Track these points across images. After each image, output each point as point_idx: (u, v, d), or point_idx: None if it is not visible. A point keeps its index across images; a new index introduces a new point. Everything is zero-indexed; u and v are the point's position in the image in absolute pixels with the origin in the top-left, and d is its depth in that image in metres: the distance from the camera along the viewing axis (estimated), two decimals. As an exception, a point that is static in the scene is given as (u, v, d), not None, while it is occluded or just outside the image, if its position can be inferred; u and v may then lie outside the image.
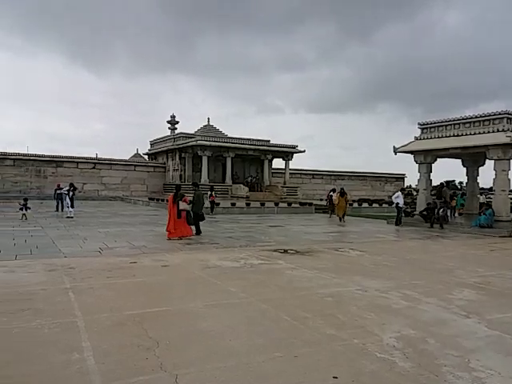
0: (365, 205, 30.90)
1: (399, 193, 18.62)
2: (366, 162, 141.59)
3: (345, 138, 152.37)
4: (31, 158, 32.99)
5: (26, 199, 16.84)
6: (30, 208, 16.64)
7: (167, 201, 13.00)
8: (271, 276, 7.06)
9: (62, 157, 34.24)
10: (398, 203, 17.57)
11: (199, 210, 12.46)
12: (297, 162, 53.37)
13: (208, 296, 5.67)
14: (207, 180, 32.52)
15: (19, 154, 32.71)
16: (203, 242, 10.92)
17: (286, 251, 9.68)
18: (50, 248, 9.44)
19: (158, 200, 27.16)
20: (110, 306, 5.09)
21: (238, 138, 35.07)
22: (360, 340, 4.14)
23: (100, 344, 3.88)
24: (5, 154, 31.97)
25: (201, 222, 12.50)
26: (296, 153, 37.43)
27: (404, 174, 49.81)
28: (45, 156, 33.59)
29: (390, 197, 24.83)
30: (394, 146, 18.61)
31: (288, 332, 4.37)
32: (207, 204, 18.60)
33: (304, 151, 37.84)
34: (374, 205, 31.63)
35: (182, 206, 11.50)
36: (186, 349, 3.85)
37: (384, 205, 30.78)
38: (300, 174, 43.31)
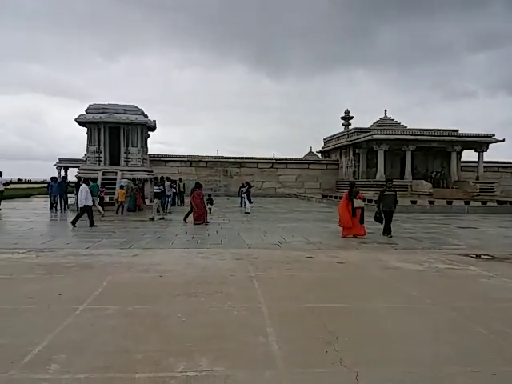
0: None
1: None
2: None
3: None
4: (220, 159, 37.36)
5: (209, 195, 19.32)
6: (212, 203, 18.87)
7: (340, 198, 12.90)
8: (461, 283, 6.33)
9: (245, 158, 37.69)
10: None
11: (389, 208, 11.51)
12: (492, 154, 46.80)
13: (388, 298, 5.41)
14: (383, 176, 31.22)
15: (210, 157, 37.44)
16: (381, 242, 10.51)
17: (479, 256, 8.55)
18: (237, 239, 10.47)
19: (330, 197, 27.40)
20: (289, 296, 5.33)
21: (420, 129, 32.46)
22: None
23: (282, 331, 4.09)
24: (200, 157, 37.00)
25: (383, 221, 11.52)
26: (492, 142, 32.47)
27: None
28: (230, 158, 37.58)
29: None
30: None
31: (483, 346, 3.83)
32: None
33: (503, 140, 32.57)
34: None
35: (357, 203, 11.23)
36: (366, 348, 3.75)
37: None
38: (498, 167, 37.80)
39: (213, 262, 7.47)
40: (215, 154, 39.09)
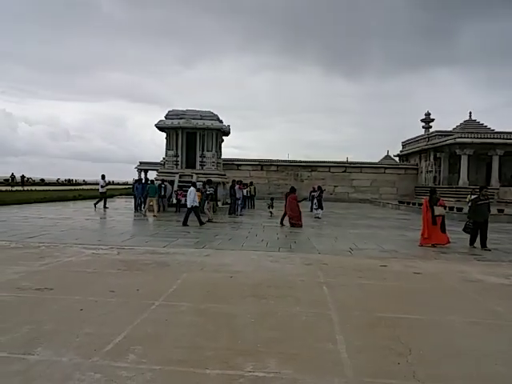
0: None
1: None
2: None
3: None
4: (291, 163, 37.37)
5: (272, 199, 19.67)
6: (273, 206, 19.21)
7: (420, 205, 12.24)
8: (554, 300, 5.69)
9: (316, 162, 37.33)
10: None
11: (484, 218, 10.50)
12: None
13: (467, 312, 5.03)
14: (466, 182, 29.24)
15: (281, 161, 37.59)
16: (462, 253, 9.81)
17: None
18: (306, 244, 10.39)
19: (408, 203, 26.14)
20: (361, 305, 5.17)
21: (509, 133, 29.93)
22: None
23: (352, 340, 3.97)
24: (271, 161, 37.33)
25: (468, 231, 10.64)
26: None
27: None
28: (301, 161, 37.44)
29: None
30: None
31: None
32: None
33: None
34: None
35: (438, 211, 10.57)
36: (442, 363, 3.52)
37: None
38: None
39: (282, 265, 7.47)
40: (286, 158, 39.16)
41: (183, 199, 19.73)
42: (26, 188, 37.75)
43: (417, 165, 37.40)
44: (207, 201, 16.19)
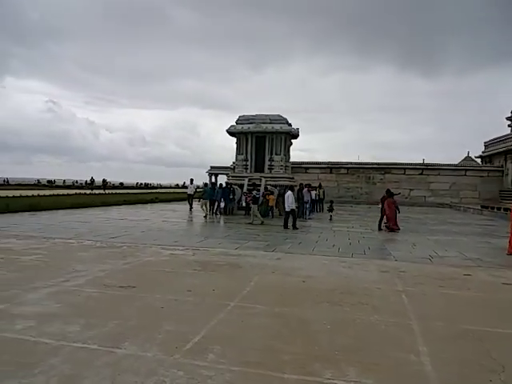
0: None
1: None
2: None
3: None
4: (362, 166, 36.25)
5: (331, 201, 19.59)
6: (332, 210, 18.95)
7: (506, 210, 11.28)
8: None
9: (390, 164, 35.85)
10: None
11: None
12: None
13: None
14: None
15: (351, 163, 36.60)
16: (557, 262, 8.85)
17: None
18: (381, 250, 10.00)
19: (493, 208, 24.20)
20: (444, 315, 4.85)
21: None
22: None
23: (437, 352, 3.74)
24: (340, 163, 36.54)
25: None
26: None
27: None
28: (373, 164, 36.16)
29: None
30: None
31: None
32: None
33: None
34: None
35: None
36: (545, 387, 3.17)
37: None
38: None
39: (356, 272, 7.25)
40: (357, 160, 38.08)
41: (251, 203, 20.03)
42: (107, 191, 40.39)
43: (502, 166, 34.51)
44: (256, 204, 16.37)
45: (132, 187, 63.24)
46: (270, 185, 20.81)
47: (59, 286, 5.69)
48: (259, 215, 16.03)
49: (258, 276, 6.61)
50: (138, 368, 3.28)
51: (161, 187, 70.96)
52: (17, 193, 30.05)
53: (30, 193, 30.46)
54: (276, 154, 22.10)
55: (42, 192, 32.23)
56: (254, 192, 17.07)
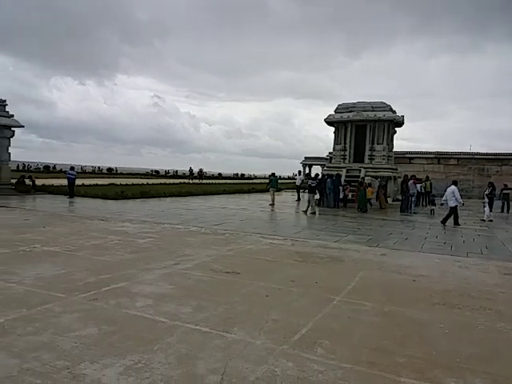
0: None
1: None
2: None
3: None
4: (474, 156, 32.97)
5: (433, 195, 18.81)
6: (435, 205, 17.49)
7: None
8: None
9: (508, 154, 32.11)
10: None
11: None
12: None
13: None
14: None
15: (462, 153, 33.44)
16: None
17: None
18: (501, 250, 8.99)
19: None
20: None
21: None
22: None
23: None
24: (449, 153, 33.65)
25: None
26: None
27: None
28: (489, 154, 32.66)
29: None
30: None
31: None
32: None
33: None
34: None
35: None
36: None
37: None
38: None
39: (473, 273, 6.58)
40: (468, 150, 34.72)
41: (350, 194, 19.39)
42: (203, 181, 41.94)
43: None
44: (310, 193, 15.92)
45: (229, 177, 65.64)
46: (371, 176, 19.98)
47: (171, 268, 6.05)
48: (315, 205, 15.88)
49: (362, 272, 6.34)
50: (248, 355, 3.30)
51: (255, 178, 72.59)
52: (129, 181, 32.97)
53: (139, 181, 33.22)
54: (378, 144, 21.12)
55: (150, 181, 34.94)
56: (310, 181, 16.66)
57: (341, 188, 19.27)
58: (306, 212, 15.51)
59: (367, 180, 19.22)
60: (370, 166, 20.96)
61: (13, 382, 2.77)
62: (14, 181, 20.01)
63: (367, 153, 21.31)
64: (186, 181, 40.17)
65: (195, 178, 45.18)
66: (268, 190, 19.82)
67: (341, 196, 19.24)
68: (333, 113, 22.16)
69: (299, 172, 24.98)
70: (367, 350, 3.48)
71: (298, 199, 21.99)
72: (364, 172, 20.40)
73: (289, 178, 66.83)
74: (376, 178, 20.04)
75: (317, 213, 15.65)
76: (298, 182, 23.49)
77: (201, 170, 48.81)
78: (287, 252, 7.70)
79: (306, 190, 18.25)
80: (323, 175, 20.83)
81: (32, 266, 5.85)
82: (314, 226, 12.21)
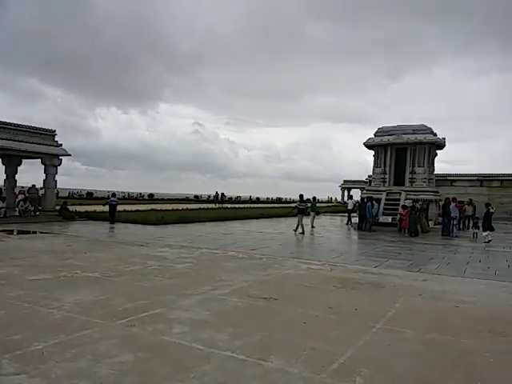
0: None
1: None
2: None
3: None
4: (518, 178, 31.44)
5: (477, 217, 17.53)
6: (478, 228, 16.51)
7: None
8: None
9: (557, 175, 30.41)
10: None
11: None
12: None
13: None
14: None
15: (505, 175, 32.03)
16: None
17: None
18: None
19: None
20: None
21: None
22: None
23: None
24: (493, 175, 32.32)
25: None
26: None
27: None
28: (533, 175, 31.09)
29: None
30: None
31: None
32: None
33: None
34: None
35: None
36: None
37: None
38: None
39: (523, 299, 6.23)
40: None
41: (390, 218, 18.87)
42: (224, 205, 40.88)
43: None
44: (302, 214, 16.63)
45: (265, 201, 65.69)
46: (411, 199, 19.48)
47: (208, 293, 6.11)
48: (303, 224, 16.27)
49: (403, 298, 6.15)
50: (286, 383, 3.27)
51: (293, 202, 72.35)
52: (168, 206, 33.75)
53: (179, 206, 33.91)
54: (419, 166, 20.66)
55: (189, 206, 35.56)
56: (298, 203, 17.32)
57: (380, 211, 18.79)
58: (295, 231, 16.30)
59: (406, 203, 18.72)
60: (411, 188, 20.47)
61: (58, 404, 2.87)
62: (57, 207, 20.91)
63: (408, 176, 20.87)
64: (212, 205, 39.79)
65: (218, 202, 45.23)
66: (296, 215, 19.58)
67: (380, 220, 18.79)
68: (372, 136, 21.99)
69: (351, 196, 25.53)
70: (410, 381, 3.36)
71: (348, 223, 21.73)
72: (405, 195, 19.94)
73: (327, 201, 66.12)
74: (416, 201, 19.50)
75: (305, 232, 16.22)
76: (350, 206, 23.39)
77: (221, 194, 48.84)
78: (326, 277, 7.60)
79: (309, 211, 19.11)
80: (362, 199, 20.53)
81: (72, 291, 6.01)
82: (353, 251, 12.00)
